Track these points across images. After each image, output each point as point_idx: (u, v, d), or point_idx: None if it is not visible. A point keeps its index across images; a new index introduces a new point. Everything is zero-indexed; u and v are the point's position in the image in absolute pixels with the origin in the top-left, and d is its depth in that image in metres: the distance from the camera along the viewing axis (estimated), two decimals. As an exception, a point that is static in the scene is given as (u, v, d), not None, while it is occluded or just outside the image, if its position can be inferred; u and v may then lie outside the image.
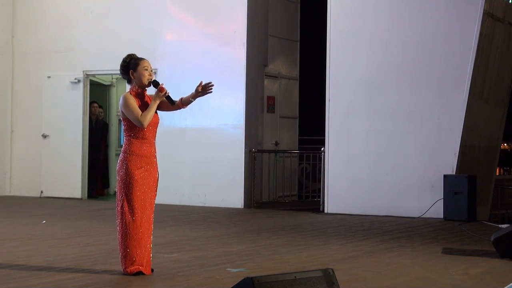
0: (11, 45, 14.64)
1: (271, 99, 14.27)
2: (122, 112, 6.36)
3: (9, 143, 14.65)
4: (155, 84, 6.35)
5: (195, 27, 13.37)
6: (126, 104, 6.30)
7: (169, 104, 6.42)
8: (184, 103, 6.45)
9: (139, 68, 6.35)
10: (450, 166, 11.46)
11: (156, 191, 6.47)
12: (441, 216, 11.23)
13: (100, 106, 14.94)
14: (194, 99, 6.44)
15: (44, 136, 14.23)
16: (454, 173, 11.39)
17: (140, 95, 6.41)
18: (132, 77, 6.40)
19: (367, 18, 12.14)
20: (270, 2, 14.02)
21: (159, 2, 13.61)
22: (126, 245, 6.24)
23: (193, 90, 6.44)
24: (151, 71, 6.42)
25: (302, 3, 15.06)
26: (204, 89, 6.39)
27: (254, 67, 13.41)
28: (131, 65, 6.39)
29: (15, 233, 9.13)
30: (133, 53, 6.53)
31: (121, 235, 6.27)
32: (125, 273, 6.26)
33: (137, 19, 13.72)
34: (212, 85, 6.38)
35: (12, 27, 14.64)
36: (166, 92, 6.35)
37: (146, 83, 6.36)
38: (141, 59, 6.42)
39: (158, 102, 6.33)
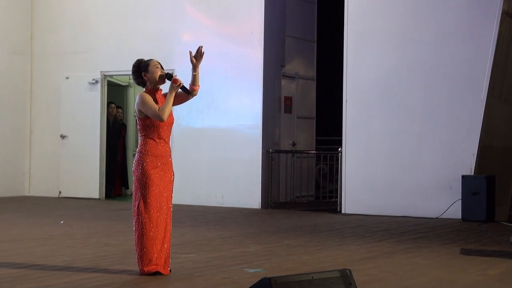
0: (29, 46, 14.74)
1: (288, 100, 14.26)
2: (138, 110, 6.40)
3: (28, 144, 14.74)
4: (169, 77, 6.42)
5: (212, 28, 13.38)
6: (143, 101, 6.34)
7: (184, 94, 6.47)
8: (194, 83, 6.48)
9: (150, 67, 6.44)
10: (468, 166, 11.40)
11: (172, 190, 6.50)
12: (459, 216, 11.17)
13: (119, 107, 15.01)
14: (197, 71, 6.45)
15: (63, 137, 14.30)
16: (472, 173, 11.33)
17: (154, 93, 6.45)
18: (146, 78, 6.46)
19: (384, 18, 12.10)
20: (287, 3, 14.02)
21: (177, 3, 13.64)
22: (142, 245, 6.26)
23: (191, 79, 6.49)
24: (162, 68, 6.47)
25: (319, 3, 15.04)
26: (198, 56, 6.42)
27: (271, 68, 13.41)
28: (142, 68, 6.47)
29: (34, 233, 9.19)
30: (142, 57, 6.67)
31: (138, 234, 6.30)
32: (142, 273, 6.28)
33: (155, 20, 13.76)
34: (201, 46, 6.39)
35: (31, 28, 14.74)
36: (180, 83, 6.39)
37: (159, 78, 6.41)
38: (150, 59, 6.53)
39: (174, 94, 6.37)
